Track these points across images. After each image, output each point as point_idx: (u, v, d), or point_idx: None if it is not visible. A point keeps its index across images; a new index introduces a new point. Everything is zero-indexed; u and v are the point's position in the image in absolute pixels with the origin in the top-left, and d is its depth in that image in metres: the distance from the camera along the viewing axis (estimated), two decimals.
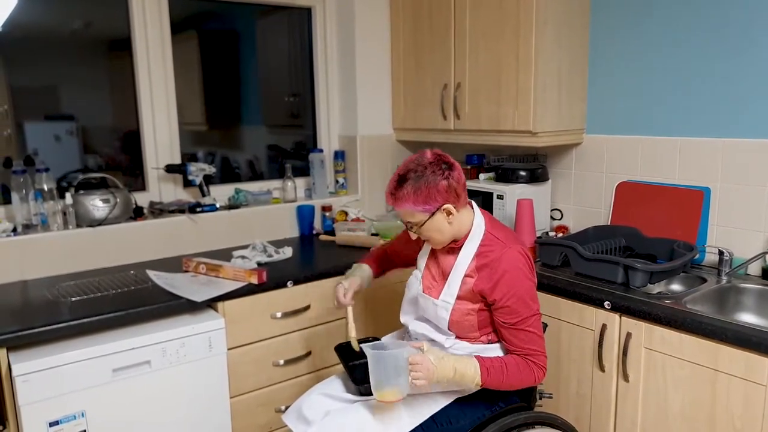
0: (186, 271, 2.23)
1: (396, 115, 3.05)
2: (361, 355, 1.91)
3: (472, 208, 1.69)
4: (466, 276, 1.64)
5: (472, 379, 1.54)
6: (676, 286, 2.18)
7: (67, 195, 2.28)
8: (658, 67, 2.33)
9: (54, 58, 2.39)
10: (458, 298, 1.64)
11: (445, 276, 1.69)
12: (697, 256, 2.13)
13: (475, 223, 1.66)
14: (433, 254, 1.76)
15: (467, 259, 1.64)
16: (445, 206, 1.58)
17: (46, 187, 2.25)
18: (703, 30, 2.18)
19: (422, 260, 1.79)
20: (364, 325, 2.42)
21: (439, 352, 1.57)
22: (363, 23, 2.91)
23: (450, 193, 1.58)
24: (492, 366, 1.56)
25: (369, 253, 2.04)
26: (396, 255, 2.00)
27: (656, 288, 2.13)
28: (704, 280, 2.06)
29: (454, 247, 1.68)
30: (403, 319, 1.84)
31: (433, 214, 1.59)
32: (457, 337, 1.70)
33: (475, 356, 1.58)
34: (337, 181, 3.05)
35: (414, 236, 1.67)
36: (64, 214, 2.30)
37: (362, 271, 1.94)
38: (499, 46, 2.46)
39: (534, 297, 1.62)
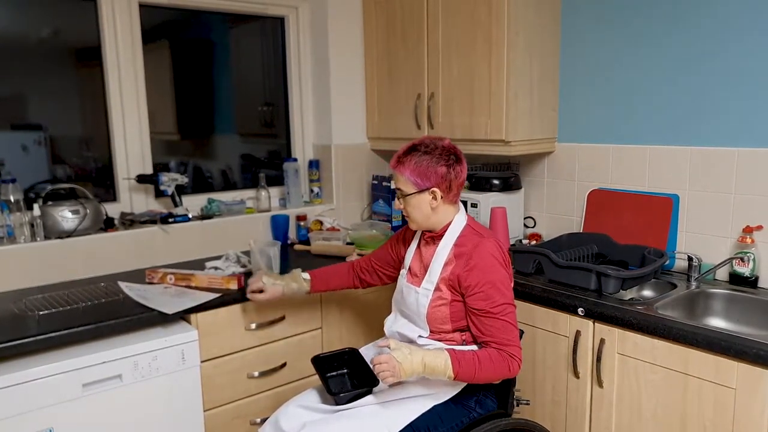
0: (150, 283, 2.19)
1: (370, 125, 3.06)
2: (338, 366, 1.91)
3: (459, 209, 1.78)
4: (445, 264, 1.70)
5: (443, 372, 1.56)
6: (647, 292, 2.21)
7: (35, 206, 2.23)
8: (628, 77, 2.38)
9: (21, 66, 2.34)
10: (436, 286, 1.70)
11: (425, 269, 1.76)
12: (667, 262, 2.17)
13: (456, 217, 1.74)
14: (418, 251, 1.83)
15: (447, 248, 1.71)
16: (434, 189, 1.68)
17: (12, 198, 2.19)
18: (672, 41, 2.24)
19: (408, 257, 1.86)
20: (342, 335, 2.40)
21: (407, 348, 1.58)
22: (336, 33, 2.92)
23: (444, 181, 1.68)
24: (463, 358, 1.58)
25: (335, 265, 2.11)
26: (379, 261, 2.04)
27: (628, 294, 2.16)
28: (674, 286, 2.10)
29: (435, 236, 1.76)
30: (388, 321, 1.88)
31: (421, 191, 1.67)
32: (432, 332, 1.73)
33: (446, 349, 1.61)
34: (311, 191, 3.03)
35: (398, 205, 1.76)
36: (32, 225, 2.24)
37: (294, 281, 2.00)
38: (471, 56, 2.49)
39: (508, 286, 1.66)
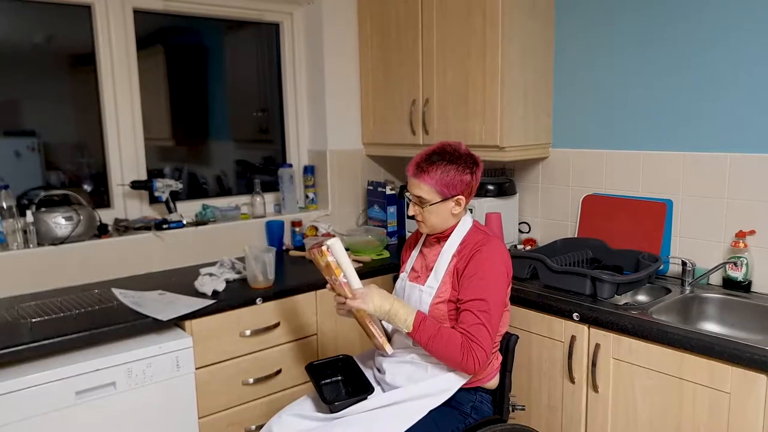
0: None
1: (365, 130, 3.06)
2: (333, 373, 1.90)
3: (466, 211, 1.80)
4: (450, 259, 1.72)
5: (403, 319, 1.62)
6: (642, 297, 2.22)
7: (28, 212, 2.22)
8: (622, 83, 2.39)
9: (14, 72, 2.33)
10: (441, 282, 1.71)
11: (429, 269, 1.77)
12: (661, 267, 2.18)
13: (464, 219, 1.77)
14: (421, 254, 1.84)
15: (453, 246, 1.73)
16: (459, 197, 1.69)
17: (5, 205, 2.18)
18: (666, 47, 2.25)
19: (411, 261, 1.87)
20: (337, 342, 2.40)
21: (385, 292, 1.67)
22: (331, 38, 2.92)
23: (467, 188, 1.70)
24: (428, 322, 1.62)
25: None
26: None
27: (623, 299, 2.16)
28: (668, 291, 2.11)
29: (441, 237, 1.77)
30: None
31: (446, 199, 1.68)
32: None
33: (417, 311, 1.66)
34: (306, 196, 3.03)
35: (412, 212, 1.74)
36: (25, 232, 2.23)
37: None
38: (466, 62, 2.49)
39: (498, 287, 1.66)
